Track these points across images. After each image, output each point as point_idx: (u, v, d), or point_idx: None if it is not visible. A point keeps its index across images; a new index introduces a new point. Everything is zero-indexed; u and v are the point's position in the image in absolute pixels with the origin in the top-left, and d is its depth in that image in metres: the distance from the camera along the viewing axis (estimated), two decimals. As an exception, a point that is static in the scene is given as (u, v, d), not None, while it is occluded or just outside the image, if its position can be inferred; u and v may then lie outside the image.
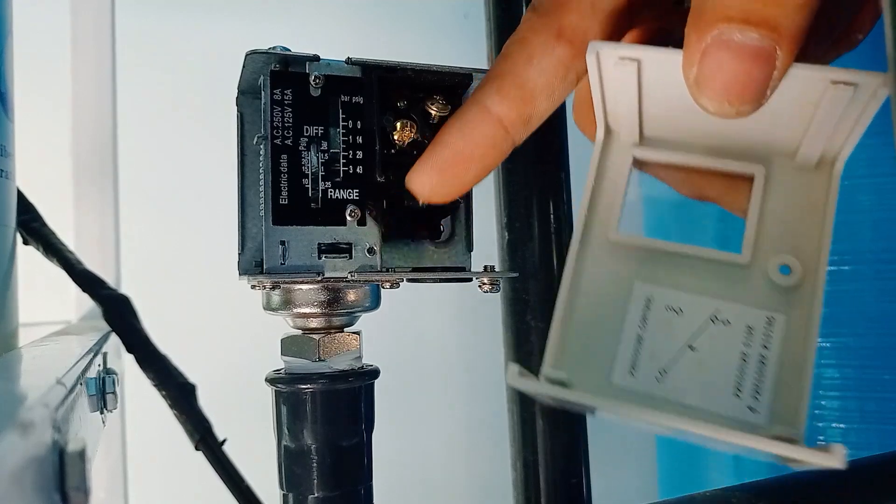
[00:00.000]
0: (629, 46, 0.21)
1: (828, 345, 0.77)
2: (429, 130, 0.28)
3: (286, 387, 0.29)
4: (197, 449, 0.32)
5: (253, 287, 0.28)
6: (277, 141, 0.25)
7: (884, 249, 0.75)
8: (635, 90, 0.22)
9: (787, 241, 0.22)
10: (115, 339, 0.35)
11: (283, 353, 0.30)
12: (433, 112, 0.27)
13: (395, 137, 0.27)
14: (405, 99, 0.27)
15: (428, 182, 0.23)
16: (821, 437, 0.77)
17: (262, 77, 0.26)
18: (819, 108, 0.20)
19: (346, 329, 0.30)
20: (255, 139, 0.27)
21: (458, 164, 0.23)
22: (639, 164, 0.24)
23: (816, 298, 0.21)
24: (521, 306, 0.44)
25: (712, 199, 0.25)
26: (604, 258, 0.23)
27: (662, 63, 0.21)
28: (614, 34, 0.23)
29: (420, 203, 0.25)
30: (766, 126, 0.21)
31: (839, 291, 0.76)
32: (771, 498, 0.38)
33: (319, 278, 0.26)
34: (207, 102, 0.96)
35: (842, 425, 0.77)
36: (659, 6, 0.24)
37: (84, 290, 0.37)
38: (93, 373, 0.28)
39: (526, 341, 0.44)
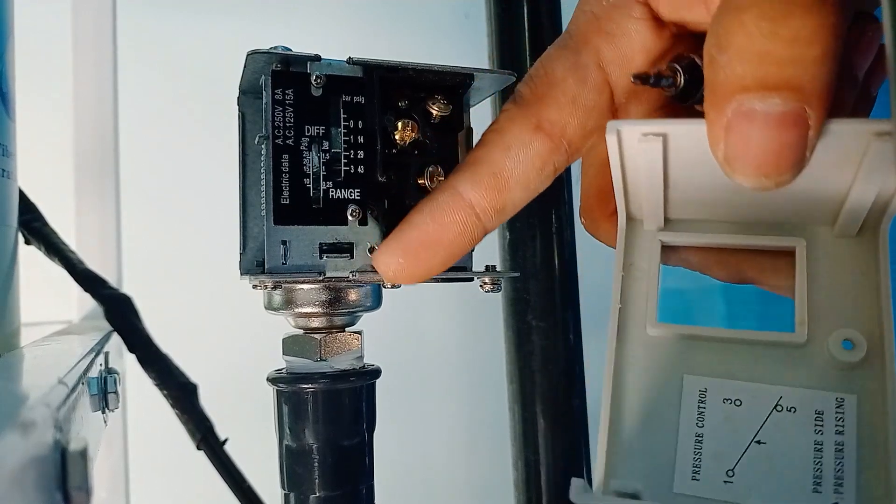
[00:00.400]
0: (653, 122, 0.20)
1: (829, 344, 0.77)
2: (430, 130, 0.28)
3: (288, 386, 0.29)
4: (198, 448, 0.32)
5: (254, 287, 0.28)
6: (279, 141, 0.25)
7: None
8: (660, 169, 0.20)
9: (844, 314, 0.20)
10: (116, 339, 0.35)
11: (284, 353, 0.30)
12: (434, 112, 0.27)
13: (397, 137, 0.27)
14: (406, 99, 0.27)
15: (393, 263, 0.23)
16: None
17: (263, 77, 0.26)
18: (862, 165, 0.19)
19: (347, 329, 0.30)
20: (257, 139, 0.27)
21: (425, 248, 0.23)
22: (665, 253, 0.23)
23: (889, 370, 0.19)
24: (522, 306, 0.44)
25: (751, 280, 0.24)
26: (646, 353, 0.21)
27: (690, 136, 0.19)
28: (594, 131, 0.22)
29: (385, 285, 0.25)
30: (804, 192, 0.20)
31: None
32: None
33: (321, 278, 0.26)
34: (209, 102, 0.96)
35: (843, 425, 0.77)
36: (647, 102, 0.23)
37: (86, 290, 0.37)
38: (94, 372, 0.28)
39: (527, 341, 0.44)
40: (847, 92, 0.22)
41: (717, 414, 0.20)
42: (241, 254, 0.28)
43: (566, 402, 0.43)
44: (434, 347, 1.19)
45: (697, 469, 0.20)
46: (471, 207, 0.22)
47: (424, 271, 0.23)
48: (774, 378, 0.20)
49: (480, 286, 0.29)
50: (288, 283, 0.28)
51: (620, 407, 0.21)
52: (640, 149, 0.20)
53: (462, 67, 0.28)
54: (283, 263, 0.26)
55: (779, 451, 0.19)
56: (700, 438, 0.20)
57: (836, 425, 0.19)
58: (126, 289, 0.40)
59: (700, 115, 0.19)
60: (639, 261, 0.22)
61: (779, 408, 0.20)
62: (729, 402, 0.20)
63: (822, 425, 0.19)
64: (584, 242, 0.47)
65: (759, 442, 0.20)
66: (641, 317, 0.22)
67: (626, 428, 0.20)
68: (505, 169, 0.22)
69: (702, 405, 0.20)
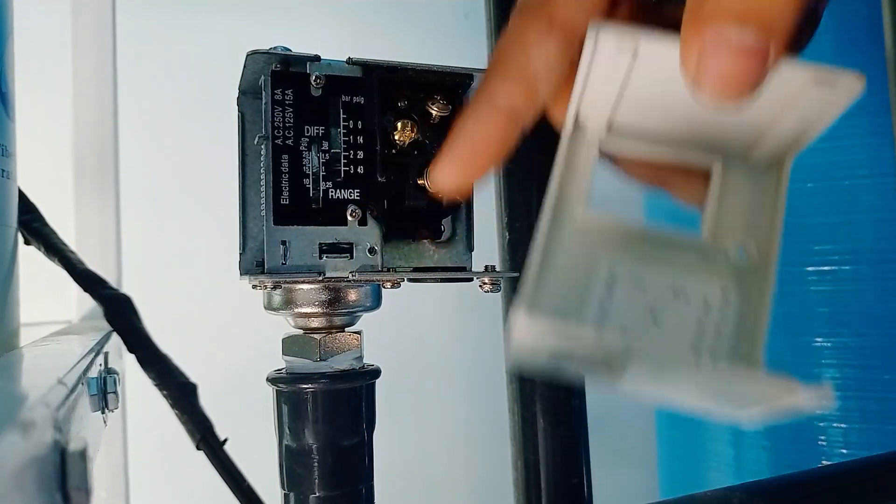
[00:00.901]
0: (631, 30, 0.22)
1: (828, 345, 0.77)
2: (429, 130, 0.28)
3: (287, 386, 0.29)
4: (198, 448, 0.32)
5: (254, 287, 0.28)
6: (278, 141, 0.25)
7: (884, 249, 0.75)
8: (622, 77, 0.23)
9: (744, 229, 0.24)
10: (116, 339, 0.35)
11: (284, 353, 0.30)
12: (434, 112, 0.27)
13: (396, 137, 0.27)
14: (406, 99, 0.27)
15: (450, 174, 0.24)
16: (822, 438, 0.77)
17: (263, 77, 0.26)
18: (793, 105, 0.21)
19: (347, 329, 0.30)
20: (256, 139, 0.27)
21: (475, 155, 0.24)
22: (601, 152, 0.25)
23: (770, 277, 0.23)
24: (521, 306, 0.44)
25: (666, 188, 0.26)
26: (572, 237, 0.24)
27: (661, 49, 0.21)
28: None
29: (441, 198, 0.26)
30: (735, 119, 0.23)
31: (840, 291, 0.76)
32: (771, 498, 0.38)
33: (320, 278, 0.26)
34: (208, 102, 0.96)
35: (843, 425, 0.77)
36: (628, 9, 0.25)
37: (85, 290, 0.37)
38: (94, 372, 0.28)
39: (526, 341, 0.44)
40: (807, 30, 0.25)
41: (624, 293, 0.23)
42: (240, 254, 0.28)
43: (566, 402, 0.43)
44: (434, 347, 1.19)
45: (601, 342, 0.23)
46: (507, 110, 0.24)
47: (477, 176, 0.25)
48: (679, 270, 0.23)
49: (480, 286, 0.29)
50: (287, 283, 0.28)
51: (542, 281, 0.23)
52: (612, 54, 0.22)
53: (462, 67, 0.28)
54: (282, 263, 0.26)
55: (670, 330, 0.23)
56: (606, 315, 0.23)
57: (719, 314, 0.23)
58: (126, 289, 0.40)
59: (670, 28, 0.21)
60: (578, 158, 0.25)
61: (676, 294, 0.23)
62: (635, 285, 0.23)
63: (708, 312, 0.23)
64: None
65: (655, 321, 0.23)
66: (574, 204, 0.24)
67: (549, 287, 0.23)
68: (530, 68, 0.24)
69: (612, 286, 0.23)
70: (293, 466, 0.29)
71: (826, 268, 0.76)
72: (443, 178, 0.25)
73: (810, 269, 0.76)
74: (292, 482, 0.29)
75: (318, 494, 0.29)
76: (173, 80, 1.01)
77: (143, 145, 0.95)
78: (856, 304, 0.76)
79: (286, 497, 0.30)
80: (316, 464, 0.29)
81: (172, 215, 1.01)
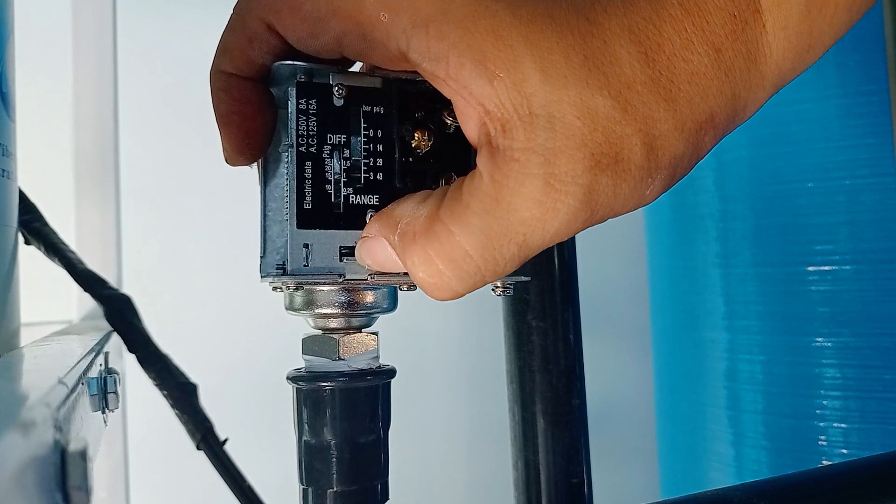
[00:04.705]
0: None
1: (829, 345, 0.77)
2: (445, 140, 0.29)
3: (307, 384, 0.30)
4: (198, 448, 0.32)
5: (275, 289, 0.29)
6: (302, 149, 0.27)
7: (885, 249, 0.75)
8: None
9: None
10: (116, 339, 0.35)
11: (304, 353, 0.31)
12: (449, 122, 0.28)
13: (414, 146, 0.28)
14: (423, 109, 0.28)
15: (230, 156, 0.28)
16: (822, 438, 0.77)
17: (288, 87, 0.27)
18: None
19: (364, 329, 0.31)
20: (281, 146, 0.27)
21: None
22: None
23: None
24: (522, 306, 0.44)
25: None
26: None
27: None
28: None
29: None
30: None
31: (840, 291, 0.76)
32: (771, 498, 0.38)
33: (341, 280, 0.27)
34: (208, 102, 0.96)
35: (843, 425, 0.77)
36: None
37: (86, 290, 0.37)
38: (94, 372, 0.28)
39: (527, 341, 0.44)
40: None
41: None
42: (261, 257, 0.29)
43: (566, 402, 0.43)
44: (434, 348, 1.19)
45: None
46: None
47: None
48: None
49: (492, 290, 0.30)
50: (309, 284, 0.28)
51: None
52: None
53: None
54: (304, 266, 0.27)
55: None
56: None
57: None
58: (126, 289, 0.40)
59: None
60: None
61: None
62: None
63: None
64: (585, 242, 0.47)
65: None
66: None
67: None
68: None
69: None
70: (312, 462, 0.30)
71: (826, 268, 0.76)
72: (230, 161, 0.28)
73: (811, 269, 0.76)
74: (311, 477, 0.30)
75: (335, 489, 0.29)
76: (174, 80, 1.01)
77: (144, 145, 0.95)
78: (856, 304, 0.76)
79: (304, 492, 0.30)
80: (334, 459, 0.30)
81: (173, 215, 1.02)
